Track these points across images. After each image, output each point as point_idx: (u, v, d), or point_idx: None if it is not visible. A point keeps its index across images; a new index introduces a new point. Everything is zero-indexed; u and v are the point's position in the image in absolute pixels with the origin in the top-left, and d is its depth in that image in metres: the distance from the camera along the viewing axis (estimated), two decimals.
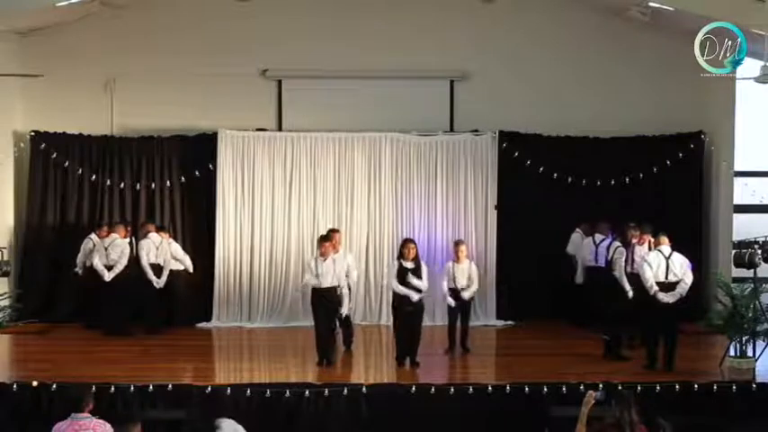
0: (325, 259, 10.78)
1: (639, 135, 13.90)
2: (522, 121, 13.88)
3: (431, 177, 13.86)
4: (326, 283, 10.74)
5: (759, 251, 10.98)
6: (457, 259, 11.62)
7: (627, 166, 13.83)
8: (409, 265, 10.66)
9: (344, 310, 11.08)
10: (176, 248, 13.21)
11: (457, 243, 11.90)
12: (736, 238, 12.79)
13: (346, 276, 11.11)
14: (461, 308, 11.59)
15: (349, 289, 11.29)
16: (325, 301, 10.81)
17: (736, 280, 11.38)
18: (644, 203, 13.46)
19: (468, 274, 11.56)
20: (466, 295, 11.51)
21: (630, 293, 10.81)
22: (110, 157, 13.93)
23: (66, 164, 13.85)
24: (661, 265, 10.34)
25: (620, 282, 10.92)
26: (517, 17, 14.18)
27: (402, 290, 10.61)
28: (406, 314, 10.68)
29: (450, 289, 11.50)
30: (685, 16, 12.31)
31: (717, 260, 13.43)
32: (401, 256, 10.77)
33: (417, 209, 13.82)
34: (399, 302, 10.73)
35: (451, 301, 11.48)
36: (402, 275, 10.60)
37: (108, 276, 12.58)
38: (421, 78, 14.11)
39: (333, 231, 11.83)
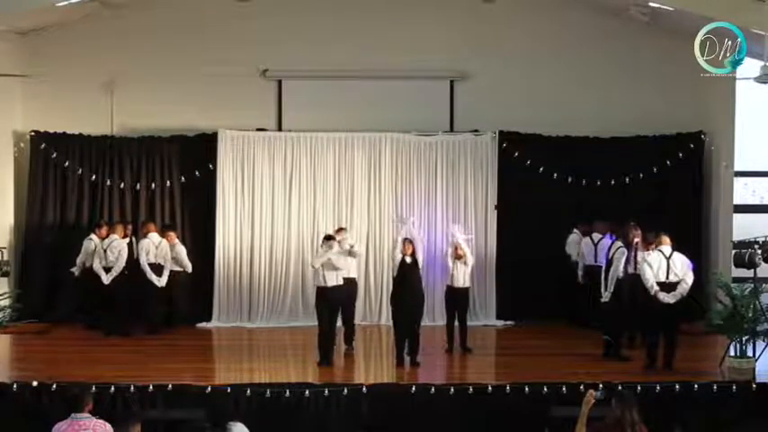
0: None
1: (639, 135, 13.89)
2: (522, 121, 13.87)
3: (431, 177, 13.86)
4: (332, 281, 10.86)
5: (759, 251, 10.95)
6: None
7: (627, 166, 13.81)
8: (408, 259, 10.91)
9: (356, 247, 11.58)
10: (180, 251, 13.10)
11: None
12: (736, 238, 12.76)
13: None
14: (457, 306, 11.65)
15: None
16: (330, 299, 10.89)
17: (736, 280, 11.35)
18: (644, 204, 13.45)
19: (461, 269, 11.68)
20: (467, 265, 11.63)
21: (607, 297, 10.86)
22: (110, 157, 13.93)
23: (67, 164, 13.85)
24: (662, 265, 10.35)
25: (609, 282, 10.89)
26: (517, 17, 14.17)
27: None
28: (407, 307, 10.78)
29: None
30: (685, 16, 12.30)
31: (717, 260, 13.41)
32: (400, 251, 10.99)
33: (417, 209, 13.80)
34: (400, 282, 10.89)
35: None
36: (403, 269, 10.86)
37: (106, 279, 12.61)
38: (421, 78, 14.10)
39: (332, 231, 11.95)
